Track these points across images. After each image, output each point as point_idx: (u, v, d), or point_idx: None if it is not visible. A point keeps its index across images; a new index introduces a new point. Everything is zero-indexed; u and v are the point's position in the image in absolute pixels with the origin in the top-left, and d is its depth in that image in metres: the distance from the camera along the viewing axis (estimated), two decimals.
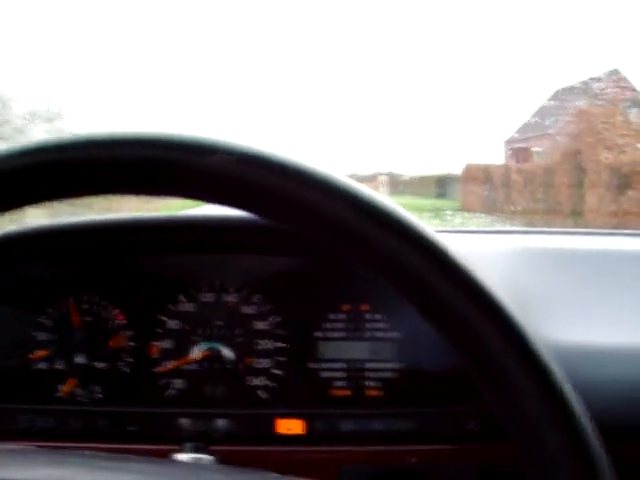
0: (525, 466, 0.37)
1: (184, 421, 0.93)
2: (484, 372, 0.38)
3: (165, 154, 0.37)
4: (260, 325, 0.96)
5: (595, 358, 0.92)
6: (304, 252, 0.96)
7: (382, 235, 0.37)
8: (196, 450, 0.88)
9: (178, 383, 0.96)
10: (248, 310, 0.97)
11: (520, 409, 0.37)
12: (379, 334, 0.96)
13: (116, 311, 0.97)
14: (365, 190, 0.38)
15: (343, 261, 0.95)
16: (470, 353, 0.38)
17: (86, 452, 0.56)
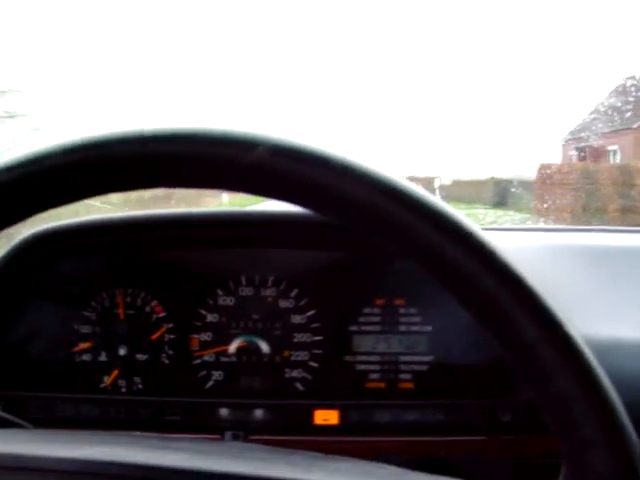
0: (561, 451, 0.39)
1: (223, 411, 0.95)
2: (522, 358, 0.39)
3: (216, 149, 0.39)
4: (297, 318, 0.99)
5: (625, 352, 0.93)
6: (340, 247, 0.99)
7: (424, 227, 0.39)
8: (236, 439, 0.91)
9: (217, 374, 0.99)
10: (285, 304, 0.99)
11: (558, 396, 0.39)
12: (413, 328, 0.98)
13: (157, 304, 0.99)
14: (412, 185, 0.40)
15: (378, 256, 0.97)
16: (509, 340, 0.40)
17: (136, 433, 0.59)
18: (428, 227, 0.38)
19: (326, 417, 0.95)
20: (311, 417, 0.95)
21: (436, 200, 0.39)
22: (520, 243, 1.17)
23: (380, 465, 0.50)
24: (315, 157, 0.39)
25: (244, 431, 0.92)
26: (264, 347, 0.98)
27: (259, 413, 0.95)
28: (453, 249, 0.38)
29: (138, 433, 0.57)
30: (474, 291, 0.39)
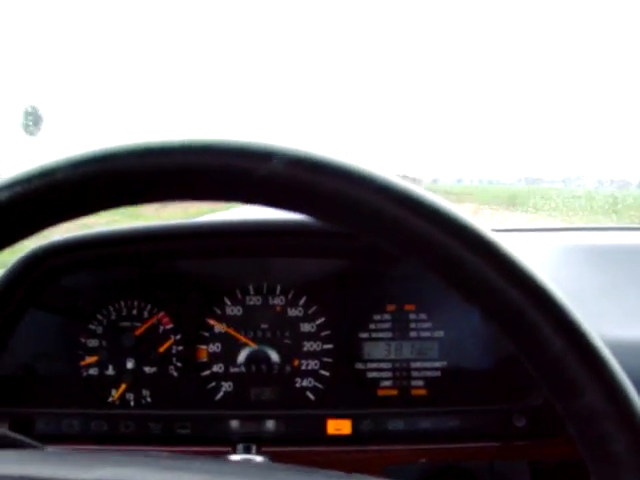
0: (589, 466, 0.37)
1: (234, 423, 0.94)
2: (548, 372, 0.38)
3: (231, 161, 0.38)
4: (306, 327, 0.97)
5: (632, 350, 0.92)
6: (348, 254, 0.97)
7: (446, 240, 0.38)
8: (248, 451, 0.89)
9: (227, 386, 0.97)
10: (294, 312, 0.98)
11: (586, 410, 0.37)
12: (424, 334, 0.97)
13: (164, 316, 0.98)
14: (436, 198, 0.39)
15: (387, 262, 0.96)
16: (534, 354, 0.39)
17: (149, 452, 0.57)
18: (450, 239, 0.38)
19: (339, 427, 0.93)
20: (324, 427, 0.93)
21: (458, 211, 0.38)
22: (530, 243, 1.16)
23: None
24: (333, 168, 0.38)
25: (256, 443, 0.90)
26: (274, 357, 0.97)
27: (270, 424, 0.94)
28: (475, 261, 0.37)
29: (152, 452, 0.56)
30: (497, 303, 0.38)
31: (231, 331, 0.98)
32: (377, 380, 0.97)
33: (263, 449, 0.90)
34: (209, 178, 0.38)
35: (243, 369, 0.97)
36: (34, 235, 0.40)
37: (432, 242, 0.38)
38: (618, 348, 0.98)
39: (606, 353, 0.38)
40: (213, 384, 0.97)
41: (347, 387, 0.97)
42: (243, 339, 0.98)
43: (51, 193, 0.38)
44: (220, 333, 0.98)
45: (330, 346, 0.97)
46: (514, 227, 1.34)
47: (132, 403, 0.97)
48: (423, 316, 0.97)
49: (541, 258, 1.09)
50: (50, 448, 0.69)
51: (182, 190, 0.39)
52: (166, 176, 0.38)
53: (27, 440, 0.70)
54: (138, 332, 0.98)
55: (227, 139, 0.38)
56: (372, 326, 0.97)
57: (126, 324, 0.98)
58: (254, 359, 0.97)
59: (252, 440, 0.92)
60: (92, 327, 0.98)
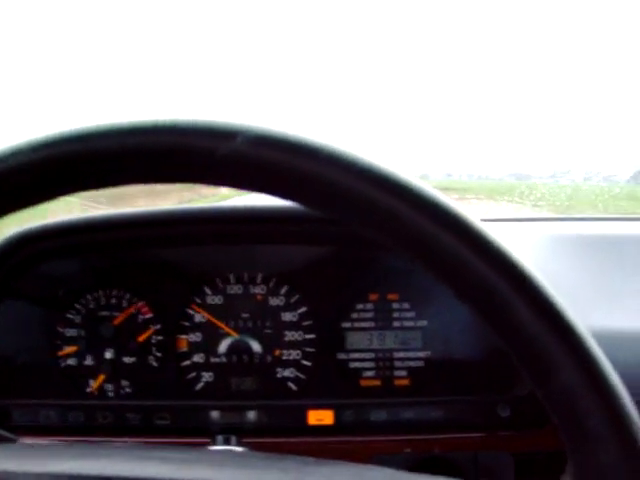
0: (567, 445, 0.37)
1: (214, 414, 0.93)
2: (523, 352, 0.37)
3: (191, 140, 0.36)
4: (288, 316, 0.96)
5: (621, 341, 0.91)
6: (330, 241, 0.96)
7: (418, 218, 0.37)
8: (228, 442, 0.88)
9: (207, 376, 0.96)
10: (275, 301, 0.96)
11: (562, 389, 0.37)
12: (407, 323, 0.96)
13: (143, 305, 0.97)
14: (404, 173, 0.38)
15: (370, 250, 0.95)
16: (509, 333, 0.38)
17: (120, 444, 0.56)
18: (422, 218, 0.37)
19: (320, 417, 0.92)
20: (305, 418, 0.92)
21: (428, 189, 0.37)
22: (516, 234, 1.15)
23: (375, 468, 0.47)
24: (299, 145, 0.36)
25: (236, 434, 0.89)
26: (255, 346, 0.95)
27: (251, 415, 0.92)
28: (448, 239, 0.37)
29: (126, 442, 0.55)
30: (470, 282, 0.37)
31: (212, 320, 0.96)
32: (360, 370, 0.95)
33: (244, 440, 0.89)
34: (171, 158, 0.37)
35: (224, 359, 0.96)
36: None
37: (403, 220, 0.37)
38: (605, 338, 0.97)
39: (583, 331, 0.37)
40: (193, 374, 0.96)
41: (329, 377, 0.95)
42: (224, 329, 0.96)
43: (13, 176, 0.37)
44: (200, 323, 0.97)
45: (312, 336, 0.96)
46: (500, 217, 1.32)
47: (111, 394, 0.96)
48: (406, 305, 0.96)
49: (527, 248, 1.08)
50: (23, 440, 0.67)
51: (144, 172, 0.38)
52: (128, 157, 0.37)
53: (2, 432, 0.68)
54: (117, 322, 0.96)
55: (190, 118, 0.37)
56: (354, 315, 0.96)
57: (105, 313, 0.97)
58: (235, 349, 0.95)
59: (233, 431, 0.90)
60: (70, 316, 0.97)
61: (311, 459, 0.48)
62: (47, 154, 0.37)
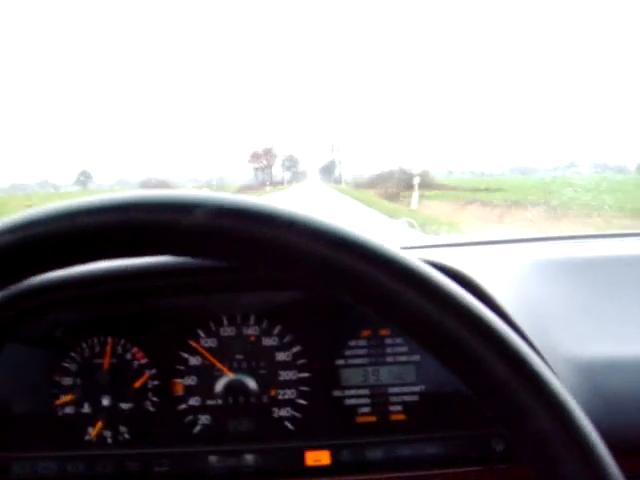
0: None
1: (212, 458, 0.93)
2: (492, 399, 0.38)
3: (152, 216, 0.37)
4: (282, 356, 0.97)
5: (612, 369, 0.91)
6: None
7: (378, 276, 0.37)
8: None
9: (204, 419, 0.96)
10: (269, 342, 0.97)
11: (532, 434, 0.37)
12: (401, 358, 0.96)
13: (138, 351, 0.97)
14: (363, 234, 0.38)
15: None
16: (477, 382, 0.38)
17: None
18: (382, 275, 0.37)
19: (317, 458, 0.93)
20: (302, 459, 0.92)
21: (386, 247, 0.38)
22: (502, 256, 1.16)
23: None
24: (259, 212, 0.37)
25: (234, 479, 0.89)
26: (251, 386, 0.96)
27: (249, 458, 0.93)
28: (411, 294, 0.37)
29: None
30: (435, 335, 0.38)
31: (207, 362, 0.97)
32: (355, 407, 0.96)
33: None
34: (134, 234, 0.37)
35: (220, 401, 0.96)
36: None
37: (365, 279, 0.37)
38: (595, 366, 0.97)
39: (549, 377, 0.38)
40: (190, 417, 0.96)
41: (325, 415, 0.96)
42: (219, 371, 0.97)
43: None
44: (195, 366, 0.97)
45: (307, 374, 0.96)
46: (484, 239, 1.33)
47: (109, 440, 0.96)
48: (399, 340, 0.96)
49: (514, 271, 1.08)
50: None
51: (110, 248, 0.39)
52: (91, 236, 0.38)
53: None
54: (112, 368, 0.97)
55: (150, 193, 0.38)
56: (348, 352, 0.97)
57: (100, 361, 0.97)
58: (231, 389, 0.96)
59: (231, 476, 0.91)
60: (66, 365, 0.97)
61: None
62: (14, 238, 0.37)
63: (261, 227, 0.37)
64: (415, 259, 0.38)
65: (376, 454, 0.92)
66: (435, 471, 0.91)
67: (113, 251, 0.39)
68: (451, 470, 0.91)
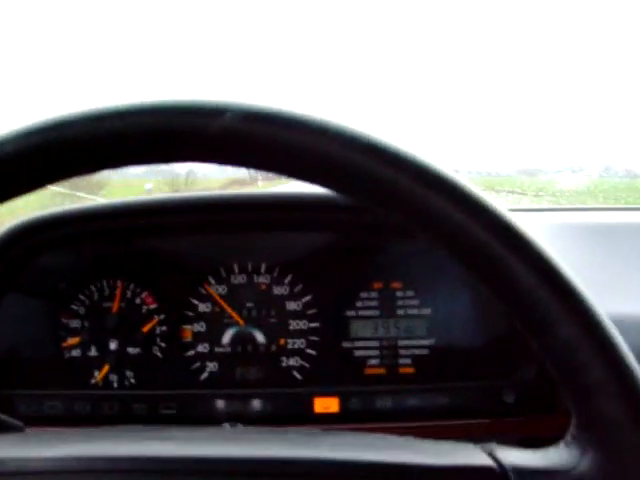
0: (569, 400, 0.38)
1: (219, 403, 0.93)
2: (521, 307, 0.38)
3: (181, 120, 0.36)
4: (292, 305, 0.96)
5: (627, 328, 0.91)
6: (332, 229, 0.96)
7: (408, 182, 0.37)
8: None
9: (212, 366, 0.96)
10: (280, 290, 0.96)
11: (561, 343, 0.37)
12: (411, 311, 0.96)
13: (147, 296, 0.97)
14: (392, 142, 0.38)
15: (373, 238, 0.95)
16: (506, 290, 0.38)
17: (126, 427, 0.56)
18: (413, 182, 0.37)
19: (326, 405, 0.92)
20: (311, 405, 0.92)
21: (417, 155, 0.38)
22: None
23: (380, 436, 0.47)
24: (290, 119, 0.36)
25: (241, 423, 0.89)
26: (259, 336, 0.95)
27: (256, 403, 0.92)
28: (441, 202, 0.37)
29: (128, 427, 0.55)
30: (466, 242, 0.38)
31: (216, 310, 0.96)
32: (364, 358, 0.95)
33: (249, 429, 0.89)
34: (162, 139, 0.37)
35: (228, 349, 0.96)
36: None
37: (395, 185, 0.37)
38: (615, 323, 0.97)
39: (579, 285, 0.38)
40: (198, 364, 0.96)
41: (334, 366, 0.95)
42: (228, 318, 0.96)
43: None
44: (205, 313, 0.97)
45: (316, 325, 0.96)
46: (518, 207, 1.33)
47: (115, 384, 0.96)
48: (410, 293, 0.96)
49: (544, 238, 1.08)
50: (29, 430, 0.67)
51: (139, 153, 0.38)
52: (120, 140, 0.37)
53: (8, 419, 0.68)
54: (121, 312, 0.96)
55: (177, 98, 0.37)
56: (359, 304, 0.96)
57: (108, 304, 0.97)
58: (239, 339, 0.95)
59: (238, 420, 0.90)
60: (74, 308, 0.97)
61: (316, 430, 0.47)
62: (40, 141, 0.37)
63: (292, 132, 0.36)
64: (444, 169, 0.38)
65: (385, 403, 0.92)
66: (444, 422, 0.90)
67: (141, 156, 0.38)
68: (461, 421, 0.90)
